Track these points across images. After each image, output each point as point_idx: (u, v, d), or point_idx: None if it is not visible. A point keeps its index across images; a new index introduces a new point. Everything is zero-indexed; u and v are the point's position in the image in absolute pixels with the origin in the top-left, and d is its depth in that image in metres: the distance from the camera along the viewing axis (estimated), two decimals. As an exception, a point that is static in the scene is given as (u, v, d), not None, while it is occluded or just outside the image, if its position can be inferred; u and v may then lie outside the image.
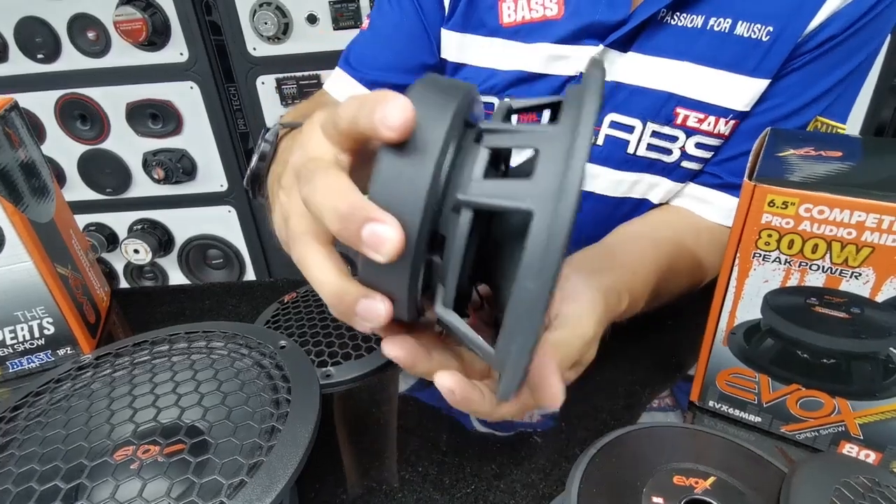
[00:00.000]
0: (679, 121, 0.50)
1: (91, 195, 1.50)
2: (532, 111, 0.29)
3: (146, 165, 1.46)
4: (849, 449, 0.38)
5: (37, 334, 0.49)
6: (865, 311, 0.33)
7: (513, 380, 0.23)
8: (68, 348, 0.50)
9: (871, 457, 0.37)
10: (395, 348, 0.26)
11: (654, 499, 0.27)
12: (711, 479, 0.27)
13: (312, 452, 0.30)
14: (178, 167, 1.46)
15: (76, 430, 0.30)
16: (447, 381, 0.26)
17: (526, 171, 0.25)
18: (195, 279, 1.67)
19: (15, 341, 0.48)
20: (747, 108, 0.49)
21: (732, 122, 0.49)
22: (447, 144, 0.23)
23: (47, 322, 0.48)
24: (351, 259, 0.27)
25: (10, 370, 0.49)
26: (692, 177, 0.54)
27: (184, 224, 1.58)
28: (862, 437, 0.37)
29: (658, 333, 0.51)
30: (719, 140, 0.51)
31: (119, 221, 1.57)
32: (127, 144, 1.43)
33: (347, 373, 0.47)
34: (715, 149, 0.52)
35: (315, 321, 0.52)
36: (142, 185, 1.50)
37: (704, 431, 0.31)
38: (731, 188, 0.52)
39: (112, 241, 1.60)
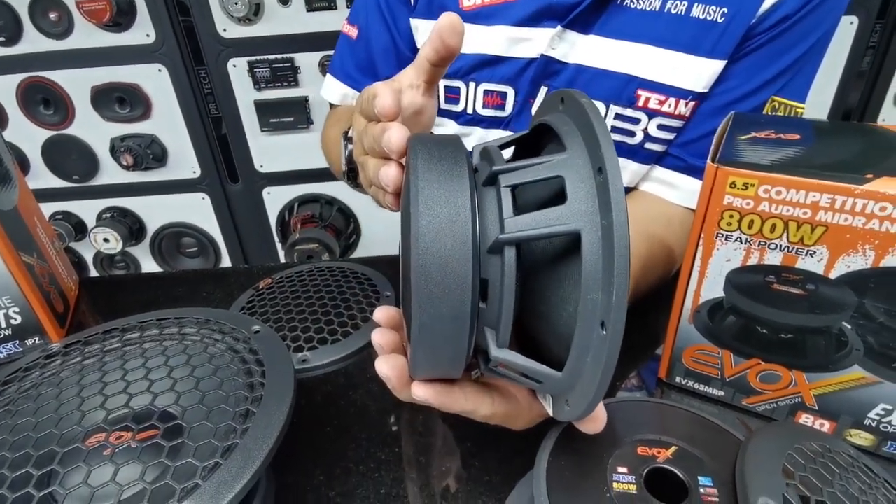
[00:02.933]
0: (641, 103, 0.51)
1: (57, 182, 1.46)
2: (510, 145, 0.30)
3: (114, 151, 1.42)
4: (805, 419, 0.40)
5: (3, 324, 0.48)
6: (820, 287, 0.35)
7: (591, 393, 0.23)
8: (36, 338, 0.49)
9: (825, 426, 0.39)
10: (422, 391, 0.28)
11: (619, 468, 0.28)
12: (673, 449, 0.29)
13: (289, 435, 0.30)
14: (148, 153, 1.43)
15: (46, 417, 0.29)
16: (420, 392, 0.28)
17: (534, 200, 0.26)
18: (169, 268, 1.64)
19: (-20, 332, 0.47)
20: (706, 90, 0.50)
21: (692, 103, 0.51)
22: (474, 198, 0.24)
23: (13, 311, 0.47)
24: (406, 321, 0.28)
25: (-24, 361, 0.48)
26: (656, 158, 0.55)
27: (156, 212, 1.55)
28: (817, 408, 0.39)
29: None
30: (680, 121, 0.52)
31: (87, 209, 1.53)
32: (93, 130, 1.38)
33: (323, 357, 0.47)
34: (676, 130, 0.53)
35: (291, 307, 0.52)
36: (110, 172, 1.46)
37: (667, 405, 0.33)
38: (695, 171, 0.53)
39: (80, 229, 1.55)
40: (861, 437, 0.38)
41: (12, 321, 0.48)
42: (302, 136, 1.42)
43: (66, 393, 0.31)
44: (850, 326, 0.35)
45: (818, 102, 1.36)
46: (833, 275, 0.34)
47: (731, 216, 0.35)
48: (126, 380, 0.32)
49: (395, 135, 0.29)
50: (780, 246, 0.34)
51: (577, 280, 0.23)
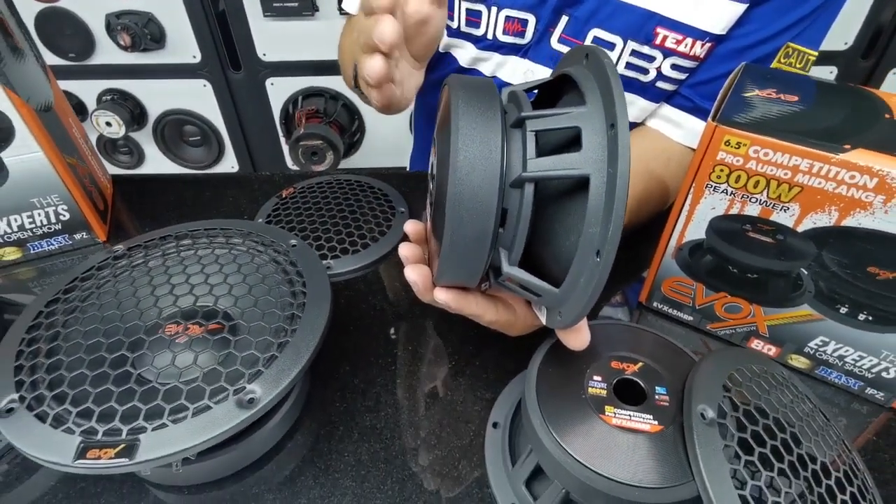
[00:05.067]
0: (658, 41, 0.52)
1: (52, 60, 1.42)
2: (534, 89, 0.33)
3: (110, 29, 1.37)
4: (756, 343, 0.47)
5: (53, 220, 0.52)
6: (787, 238, 0.40)
7: (580, 306, 0.28)
8: (84, 233, 0.54)
9: (771, 350, 0.46)
10: (443, 295, 0.34)
11: (595, 377, 0.35)
12: (640, 365, 0.36)
13: (321, 334, 0.36)
14: (146, 33, 1.38)
15: (128, 311, 0.35)
16: (442, 296, 0.33)
17: (551, 144, 0.30)
18: (172, 156, 1.65)
19: (33, 225, 0.52)
20: (724, 32, 0.51)
21: (709, 44, 0.52)
22: (504, 140, 0.28)
23: (62, 209, 0.52)
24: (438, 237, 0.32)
25: (32, 251, 0.53)
26: (666, 97, 0.57)
27: (156, 97, 1.53)
28: (767, 336, 0.46)
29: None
30: (694, 62, 0.53)
31: (86, 90, 1.51)
32: (86, 3, 1.32)
33: (345, 265, 0.53)
34: (689, 71, 0.54)
35: (314, 217, 0.57)
36: (107, 52, 1.42)
37: (640, 328, 0.39)
38: (702, 112, 0.55)
39: (80, 111, 1.54)
40: (800, 361, 0.46)
41: (61, 217, 0.52)
42: (306, 24, 1.37)
43: (140, 291, 0.37)
44: (806, 272, 0.41)
45: (850, 19, 1.31)
46: (800, 228, 0.39)
47: (722, 170, 0.39)
48: (189, 283, 0.37)
49: (388, 28, 0.31)
50: (760, 200, 0.39)
51: (581, 216, 0.28)
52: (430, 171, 0.37)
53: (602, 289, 0.28)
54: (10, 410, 0.30)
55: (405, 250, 0.35)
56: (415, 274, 0.34)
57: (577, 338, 0.34)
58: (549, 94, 0.35)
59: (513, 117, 0.29)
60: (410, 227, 0.38)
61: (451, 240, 0.29)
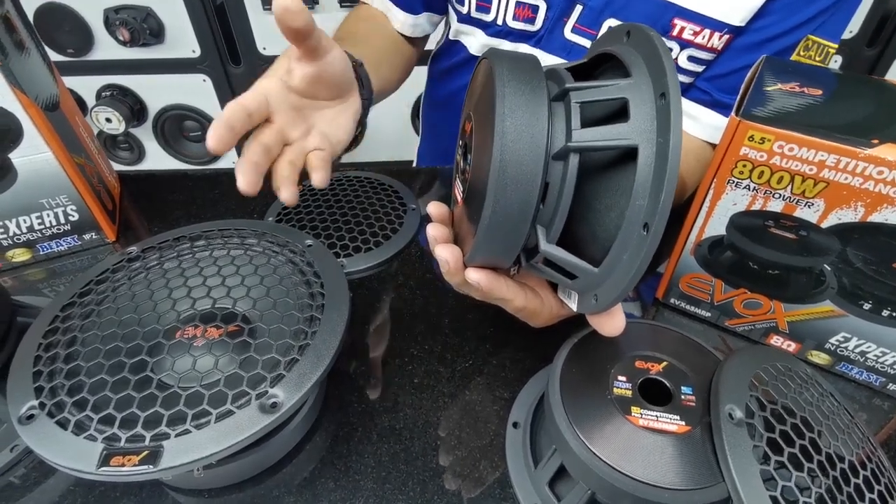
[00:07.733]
0: (675, 32, 0.51)
1: (51, 56, 1.40)
2: (577, 69, 0.32)
3: (108, 24, 1.36)
4: (775, 340, 0.46)
5: (62, 220, 0.51)
6: (811, 234, 0.39)
7: (622, 285, 0.27)
8: (93, 233, 0.54)
9: (791, 346, 0.46)
10: (476, 274, 0.32)
11: (619, 377, 0.34)
12: (664, 364, 0.35)
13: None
14: (145, 28, 1.37)
15: (146, 314, 0.35)
16: (474, 275, 0.32)
17: (592, 119, 0.29)
18: (173, 151, 1.64)
19: (42, 226, 0.51)
20: (742, 24, 0.50)
21: (727, 36, 0.51)
22: (550, 109, 0.27)
23: (71, 209, 0.51)
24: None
25: (41, 252, 0.53)
26: (682, 90, 0.56)
27: (156, 92, 1.52)
28: (788, 332, 0.45)
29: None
30: (711, 54, 0.52)
31: (85, 86, 1.49)
32: (84, -2, 1.31)
33: (359, 264, 0.52)
34: (706, 63, 0.53)
35: (325, 215, 0.56)
36: (106, 47, 1.40)
37: (663, 327, 0.39)
38: (720, 106, 0.54)
39: (79, 107, 1.52)
40: (820, 357, 0.45)
41: (70, 218, 0.52)
42: (307, 18, 1.35)
43: (157, 293, 0.36)
44: (829, 268, 0.40)
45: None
46: (825, 224, 0.38)
47: (745, 166, 0.38)
48: (207, 285, 0.37)
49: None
50: (784, 196, 0.38)
51: (624, 190, 0.26)
52: (459, 150, 0.36)
53: (648, 263, 0.26)
54: (30, 417, 0.30)
55: (433, 230, 0.34)
56: (447, 252, 0.32)
57: (612, 322, 0.32)
58: (581, 79, 0.34)
59: (554, 90, 0.28)
60: (434, 208, 0.36)
61: (494, 210, 0.27)
